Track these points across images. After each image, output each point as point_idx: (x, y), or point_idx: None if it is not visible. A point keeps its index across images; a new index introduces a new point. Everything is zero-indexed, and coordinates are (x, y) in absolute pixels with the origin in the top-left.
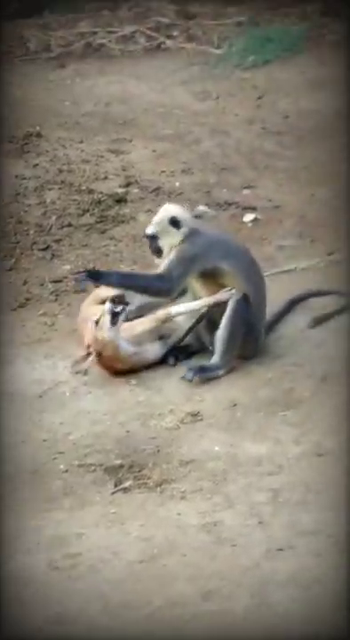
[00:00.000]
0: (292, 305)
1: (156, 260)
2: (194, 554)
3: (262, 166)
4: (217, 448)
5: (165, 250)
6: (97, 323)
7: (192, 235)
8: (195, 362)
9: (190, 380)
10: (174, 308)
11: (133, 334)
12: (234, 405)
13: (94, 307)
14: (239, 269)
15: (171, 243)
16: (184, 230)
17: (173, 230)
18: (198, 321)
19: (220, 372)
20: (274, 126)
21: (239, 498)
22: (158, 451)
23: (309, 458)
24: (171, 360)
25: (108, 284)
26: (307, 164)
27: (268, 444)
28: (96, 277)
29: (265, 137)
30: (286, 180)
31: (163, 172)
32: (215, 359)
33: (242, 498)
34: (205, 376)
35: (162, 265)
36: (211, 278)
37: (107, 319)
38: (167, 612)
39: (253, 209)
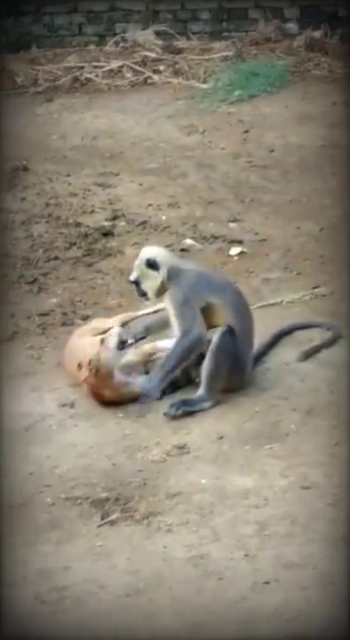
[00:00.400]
0: (279, 337)
1: (146, 303)
2: (180, 587)
3: (248, 200)
4: (203, 481)
5: (150, 293)
6: (102, 342)
7: (174, 275)
8: (180, 396)
9: (172, 416)
10: (161, 343)
11: (121, 365)
12: (221, 438)
13: (88, 338)
14: (226, 301)
15: (152, 285)
16: (163, 271)
17: (152, 273)
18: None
19: (205, 405)
20: (259, 160)
21: (225, 531)
22: (145, 483)
23: (295, 490)
24: None
25: (168, 378)
26: (293, 197)
27: (255, 477)
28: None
29: (251, 171)
30: (272, 213)
31: (149, 205)
32: (200, 392)
33: (229, 531)
34: (189, 409)
35: (174, 325)
36: (202, 314)
37: (113, 340)
38: None
39: (240, 242)
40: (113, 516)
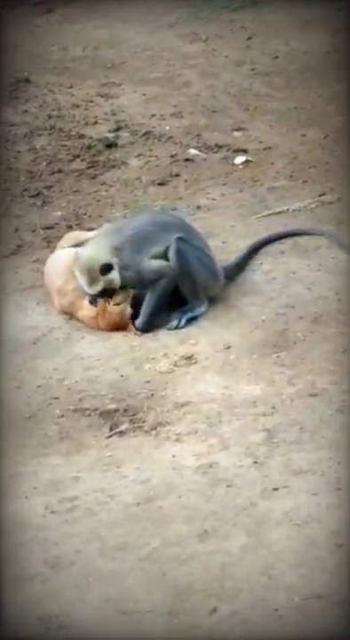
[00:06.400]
0: (260, 247)
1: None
2: (189, 495)
3: (252, 108)
4: (211, 390)
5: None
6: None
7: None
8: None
9: (175, 327)
10: None
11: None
12: (228, 348)
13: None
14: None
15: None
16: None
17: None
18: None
19: (203, 310)
20: (263, 67)
21: (234, 439)
22: (152, 394)
23: (303, 398)
24: None
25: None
26: (297, 104)
27: (262, 386)
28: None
29: (254, 78)
30: (277, 121)
31: (153, 115)
32: (190, 300)
33: (237, 439)
34: (191, 316)
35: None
36: None
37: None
38: (164, 553)
39: (244, 151)
40: (122, 427)
